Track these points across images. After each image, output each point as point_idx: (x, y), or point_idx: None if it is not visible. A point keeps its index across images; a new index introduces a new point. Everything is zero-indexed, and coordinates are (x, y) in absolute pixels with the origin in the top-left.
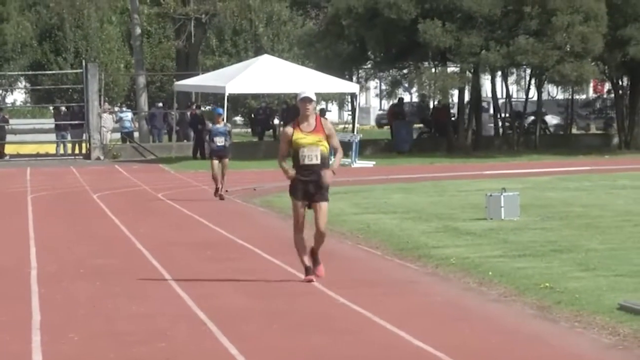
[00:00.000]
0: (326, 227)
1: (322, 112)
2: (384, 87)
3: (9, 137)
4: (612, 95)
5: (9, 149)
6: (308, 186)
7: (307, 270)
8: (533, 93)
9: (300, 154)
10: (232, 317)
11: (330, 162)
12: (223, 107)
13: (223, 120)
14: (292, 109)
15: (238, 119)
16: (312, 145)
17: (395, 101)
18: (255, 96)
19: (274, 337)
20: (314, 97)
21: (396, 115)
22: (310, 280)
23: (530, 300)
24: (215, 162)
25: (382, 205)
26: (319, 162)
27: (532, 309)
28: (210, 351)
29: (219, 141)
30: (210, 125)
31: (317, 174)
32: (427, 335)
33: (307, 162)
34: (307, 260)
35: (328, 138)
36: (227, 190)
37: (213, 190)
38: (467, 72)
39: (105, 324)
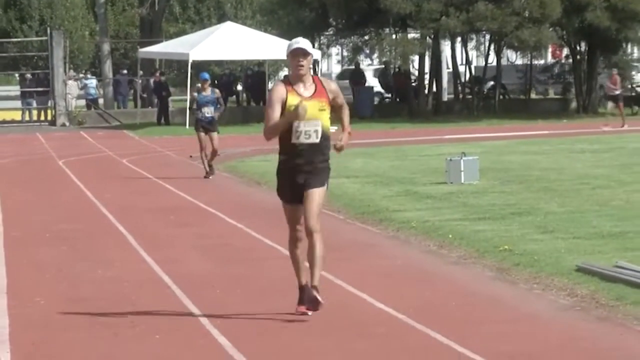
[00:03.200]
0: (317, 225)
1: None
2: (345, 53)
3: None
4: (570, 60)
5: None
6: (297, 176)
7: (301, 293)
8: (492, 58)
9: (294, 128)
10: (196, 282)
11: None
12: (186, 76)
13: (209, 85)
14: (255, 75)
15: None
16: (311, 118)
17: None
18: (219, 63)
19: (237, 301)
20: (310, 49)
21: (357, 80)
22: (304, 313)
23: (490, 263)
24: (202, 134)
25: (343, 170)
26: (318, 140)
27: (492, 271)
28: (175, 315)
29: (207, 111)
30: (195, 94)
31: (311, 156)
32: (388, 297)
33: (303, 139)
34: (304, 278)
35: (333, 101)
36: (191, 156)
37: (203, 173)
38: (427, 38)
39: (71, 288)
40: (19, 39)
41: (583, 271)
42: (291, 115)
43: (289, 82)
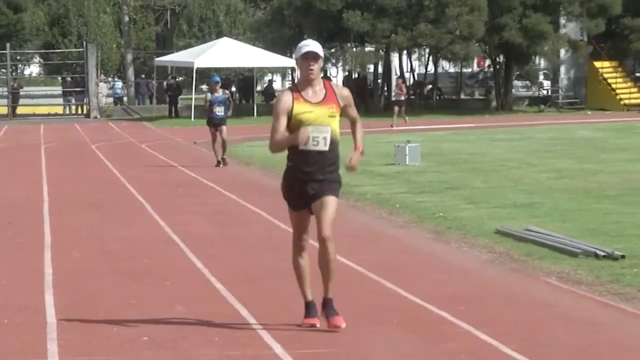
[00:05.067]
0: (331, 233)
1: (270, 83)
2: None
3: (27, 101)
4: (492, 69)
5: (27, 110)
6: (306, 185)
7: (308, 309)
8: (431, 67)
9: None
10: (199, 240)
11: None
12: (192, 80)
13: (220, 87)
14: (246, 79)
15: (204, 87)
16: (320, 124)
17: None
18: (217, 69)
19: (231, 256)
20: (320, 52)
21: None
22: (313, 325)
23: (428, 226)
24: (214, 130)
25: None
26: (327, 148)
27: (430, 233)
28: (182, 266)
29: (219, 111)
30: (209, 95)
31: (320, 164)
32: (349, 253)
33: (311, 147)
34: (309, 293)
35: (345, 110)
36: (195, 142)
37: (215, 162)
38: (380, 51)
39: (101, 245)
40: (61, 50)
41: (501, 233)
42: (293, 139)
43: (296, 88)
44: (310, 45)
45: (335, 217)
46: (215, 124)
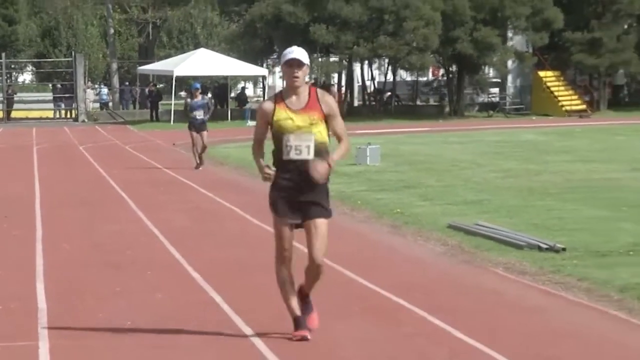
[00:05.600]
0: (323, 258)
1: (242, 90)
2: None
3: (20, 106)
4: (445, 77)
5: (20, 115)
6: (297, 195)
7: (297, 323)
8: (390, 76)
9: (284, 143)
10: (178, 234)
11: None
12: (171, 87)
13: (200, 93)
14: (220, 86)
15: (182, 93)
16: (301, 131)
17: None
18: (195, 77)
19: (207, 249)
20: (305, 59)
21: None
22: (304, 338)
23: (387, 221)
24: (195, 134)
25: None
26: (310, 156)
27: (388, 227)
28: (162, 256)
29: (198, 115)
30: (189, 100)
31: (307, 174)
32: None
33: (294, 156)
34: (296, 308)
35: (328, 119)
36: (174, 144)
37: (194, 165)
38: (344, 61)
39: (88, 238)
40: (52, 60)
41: (453, 228)
42: (260, 169)
43: (281, 95)
44: (295, 52)
45: (327, 241)
46: (196, 128)
